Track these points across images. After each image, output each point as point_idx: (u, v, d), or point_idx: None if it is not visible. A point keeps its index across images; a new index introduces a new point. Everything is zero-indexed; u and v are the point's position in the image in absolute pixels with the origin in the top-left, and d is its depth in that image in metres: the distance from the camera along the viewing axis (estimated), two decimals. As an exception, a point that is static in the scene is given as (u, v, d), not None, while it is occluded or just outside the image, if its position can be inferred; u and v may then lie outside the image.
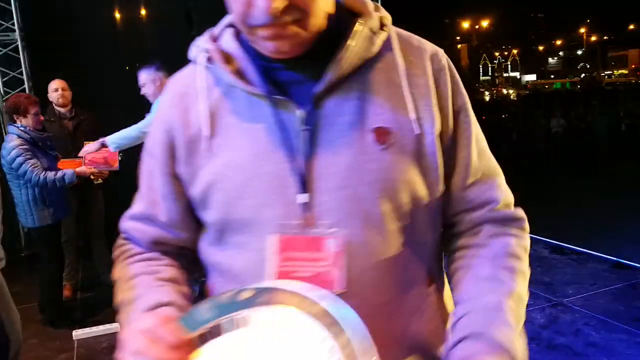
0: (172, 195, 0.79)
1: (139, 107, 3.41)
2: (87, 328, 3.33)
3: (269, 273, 0.71)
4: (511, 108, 16.53)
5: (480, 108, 16.53)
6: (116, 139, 3.31)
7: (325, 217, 0.71)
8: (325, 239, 0.70)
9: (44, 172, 3.14)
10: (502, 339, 0.67)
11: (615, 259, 4.02)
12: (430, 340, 0.78)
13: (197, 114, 0.75)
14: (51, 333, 3.36)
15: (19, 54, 5.09)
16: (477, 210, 0.79)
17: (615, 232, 4.59)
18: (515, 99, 30.01)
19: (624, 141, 10.65)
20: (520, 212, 0.81)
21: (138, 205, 0.83)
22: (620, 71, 62.11)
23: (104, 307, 3.52)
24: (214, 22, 0.81)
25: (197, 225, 0.80)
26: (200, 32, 0.81)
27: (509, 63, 77.48)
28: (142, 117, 3.26)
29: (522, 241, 0.79)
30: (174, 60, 1.30)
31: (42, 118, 3.31)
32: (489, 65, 77.03)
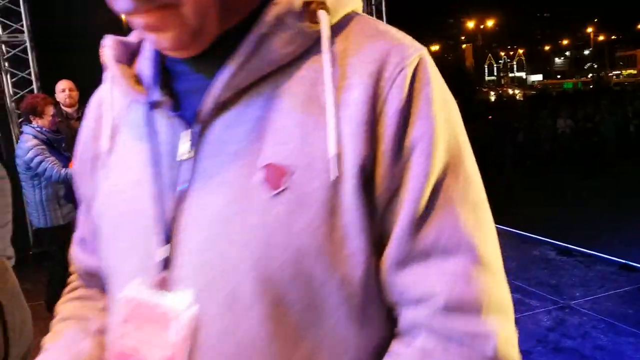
0: (88, 213, 0.65)
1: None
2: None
3: (109, 350, 0.57)
4: (518, 108, 16.47)
5: (485, 108, 16.57)
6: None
7: (184, 283, 0.51)
8: (173, 318, 0.51)
9: (64, 169, 3.18)
10: None
11: (623, 261, 3.98)
12: None
13: (105, 125, 0.61)
14: (58, 332, 3.39)
15: (27, 55, 5.14)
16: (410, 308, 0.51)
17: (623, 234, 4.55)
18: (521, 99, 29.88)
19: (632, 142, 10.57)
20: (488, 326, 0.49)
21: (79, 226, 0.70)
22: (628, 71, 61.67)
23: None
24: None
25: None
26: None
27: (514, 63, 77.24)
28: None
29: None
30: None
31: (57, 120, 3.35)
32: (494, 65, 76.80)
